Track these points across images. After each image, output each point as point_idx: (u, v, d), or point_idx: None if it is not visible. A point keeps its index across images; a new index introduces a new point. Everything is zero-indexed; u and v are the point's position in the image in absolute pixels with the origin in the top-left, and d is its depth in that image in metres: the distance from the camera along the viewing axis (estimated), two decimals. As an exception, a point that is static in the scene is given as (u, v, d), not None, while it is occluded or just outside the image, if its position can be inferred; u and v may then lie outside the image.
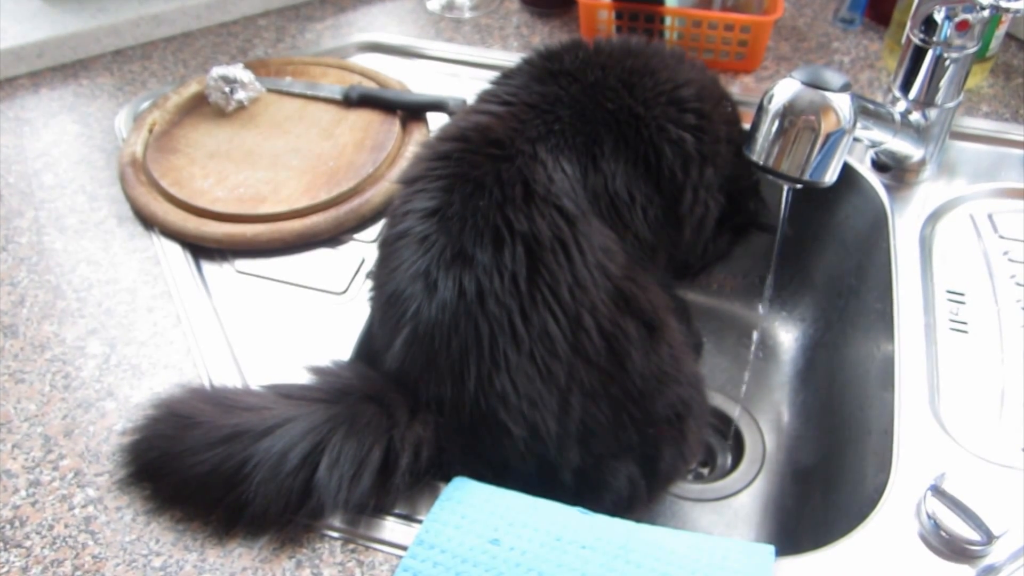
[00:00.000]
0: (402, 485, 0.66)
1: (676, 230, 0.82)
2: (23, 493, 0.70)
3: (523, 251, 0.68)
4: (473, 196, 0.70)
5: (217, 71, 1.08)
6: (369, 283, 0.81)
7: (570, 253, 0.69)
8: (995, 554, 0.62)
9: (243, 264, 0.92)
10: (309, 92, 1.12)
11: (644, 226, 0.78)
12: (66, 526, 0.67)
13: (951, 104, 0.89)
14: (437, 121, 1.07)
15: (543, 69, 0.81)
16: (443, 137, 0.77)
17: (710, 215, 0.83)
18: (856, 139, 0.79)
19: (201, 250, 0.93)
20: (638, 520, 0.65)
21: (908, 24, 0.86)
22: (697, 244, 0.86)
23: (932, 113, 0.89)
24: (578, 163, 0.75)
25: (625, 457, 0.74)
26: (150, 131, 1.06)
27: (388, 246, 0.75)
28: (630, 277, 0.72)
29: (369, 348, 0.80)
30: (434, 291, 0.68)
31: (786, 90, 0.75)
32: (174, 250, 0.92)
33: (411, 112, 1.09)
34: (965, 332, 0.81)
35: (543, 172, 0.72)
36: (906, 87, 0.89)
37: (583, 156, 0.75)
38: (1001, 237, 0.90)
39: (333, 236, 0.94)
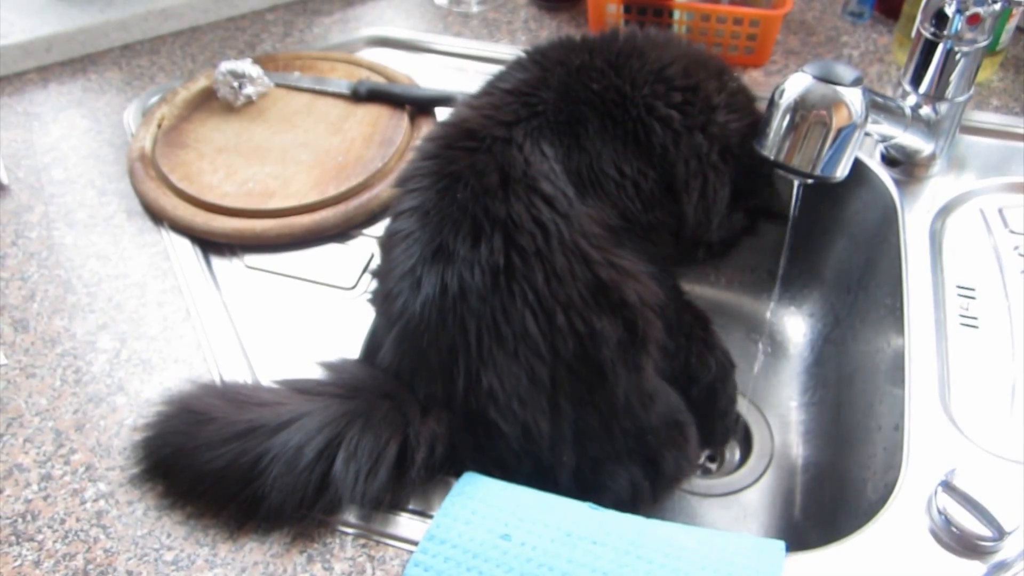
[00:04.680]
0: (417, 480, 0.66)
1: (676, 203, 0.81)
2: (35, 487, 0.70)
3: (501, 240, 0.67)
4: (450, 189, 0.70)
5: (225, 66, 1.08)
6: (375, 282, 0.81)
7: (548, 236, 0.68)
8: (1007, 550, 0.62)
9: (252, 259, 0.92)
10: (317, 87, 1.12)
11: (637, 203, 0.78)
12: (78, 520, 0.67)
13: (961, 98, 0.89)
14: (445, 116, 1.07)
15: (528, 58, 0.82)
16: (429, 136, 0.78)
17: (711, 185, 0.82)
18: (866, 133, 0.79)
19: (210, 245, 0.93)
20: (647, 516, 0.65)
21: (918, 18, 0.86)
22: (710, 218, 0.84)
23: (942, 107, 0.89)
24: (560, 144, 0.74)
25: (625, 460, 0.73)
26: (159, 126, 1.06)
27: (383, 248, 0.75)
28: (613, 264, 0.71)
29: (372, 348, 0.81)
30: (418, 289, 0.68)
31: (798, 85, 0.75)
32: (183, 245, 0.92)
33: (419, 107, 1.08)
34: (976, 327, 0.80)
35: (519, 155, 0.71)
36: (916, 81, 0.89)
37: (566, 136, 0.75)
38: (1012, 232, 0.90)
39: (342, 231, 0.95)
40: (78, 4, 1.24)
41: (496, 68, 0.87)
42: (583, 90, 0.77)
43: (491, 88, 0.80)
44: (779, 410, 1.07)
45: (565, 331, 0.67)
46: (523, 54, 0.84)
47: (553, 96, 0.76)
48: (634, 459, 0.73)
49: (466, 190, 0.69)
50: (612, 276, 0.69)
